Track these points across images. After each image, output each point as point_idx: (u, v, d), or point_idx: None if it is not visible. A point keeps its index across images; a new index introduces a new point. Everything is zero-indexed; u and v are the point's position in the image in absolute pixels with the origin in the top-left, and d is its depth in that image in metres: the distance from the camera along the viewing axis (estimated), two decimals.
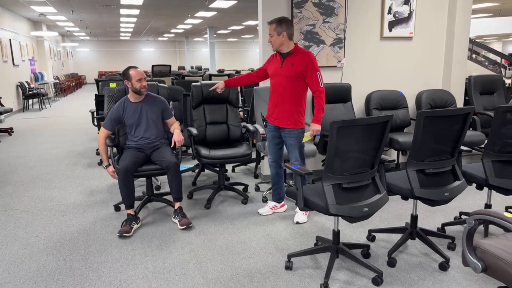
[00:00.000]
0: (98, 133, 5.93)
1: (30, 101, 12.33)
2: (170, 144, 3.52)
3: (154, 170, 3.28)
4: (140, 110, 3.39)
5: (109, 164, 3.33)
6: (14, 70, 11.16)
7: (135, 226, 3.21)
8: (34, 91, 11.61)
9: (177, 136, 3.33)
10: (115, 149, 3.56)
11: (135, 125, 3.38)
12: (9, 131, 7.54)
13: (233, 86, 3.51)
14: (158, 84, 3.82)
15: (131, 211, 3.24)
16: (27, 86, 11.58)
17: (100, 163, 5.27)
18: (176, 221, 3.29)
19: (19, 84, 11.29)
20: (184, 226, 3.20)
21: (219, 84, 3.44)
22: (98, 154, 5.83)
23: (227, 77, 8.36)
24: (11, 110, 8.17)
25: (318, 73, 3.15)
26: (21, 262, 2.72)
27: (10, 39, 10.93)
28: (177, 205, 3.34)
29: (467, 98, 5.26)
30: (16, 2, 10.22)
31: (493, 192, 4.03)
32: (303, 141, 3.29)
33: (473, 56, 14.74)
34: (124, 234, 3.06)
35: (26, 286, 2.42)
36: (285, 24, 3.12)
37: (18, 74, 11.51)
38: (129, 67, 3.33)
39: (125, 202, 3.20)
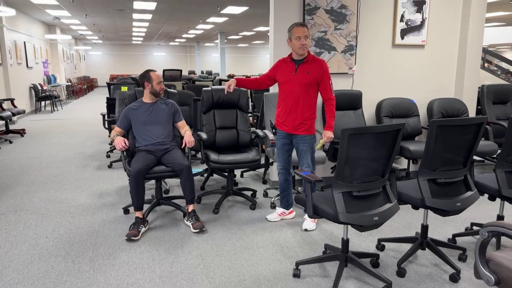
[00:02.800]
0: (109, 135, 5.97)
1: (43, 103, 12.49)
2: (180, 147, 3.56)
3: (165, 172, 3.29)
4: (152, 110, 3.49)
5: (117, 135, 3.44)
6: (28, 72, 11.33)
7: (143, 230, 3.22)
8: (47, 93, 11.76)
9: (188, 137, 3.43)
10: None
11: (146, 123, 3.44)
12: (21, 132, 7.64)
13: (242, 87, 3.48)
14: (168, 89, 3.84)
15: (139, 214, 3.25)
16: (40, 88, 11.74)
17: (111, 166, 5.30)
18: (190, 224, 3.30)
19: (32, 86, 11.45)
20: (198, 230, 3.21)
21: (231, 82, 3.30)
22: (108, 156, 5.87)
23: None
24: (23, 112, 8.28)
25: (331, 81, 3.20)
26: (30, 262, 2.73)
27: (24, 42, 11.11)
28: (190, 207, 3.35)
29: (479, 107, 5.20)
30: (31, 6, 10.40)
31: (506, 203, 3.96)
32: (316, 148, 3.31)
33: (486, 65, 14.60)
34: (132, 238, 3.07)
35: (34, 287, 2.43)
36: None
37: (32, 76, 11.68)
38: (149, 70, 3.49)
39: (135, 204, 3.22)
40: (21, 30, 10.95)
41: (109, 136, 5.97)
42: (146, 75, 3.46)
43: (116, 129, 3.49)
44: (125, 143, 3.31)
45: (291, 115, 3.24)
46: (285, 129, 3.31)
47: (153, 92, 3.47)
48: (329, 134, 3.20)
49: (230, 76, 12.83)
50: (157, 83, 3.46)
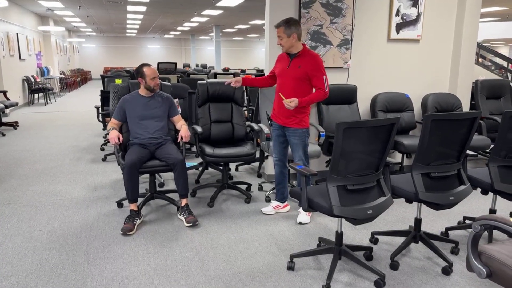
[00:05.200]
0: (103, 128, 5.94)
1: (36, 95, 12.37)
2: (175, 141, 3.55)
3: (159, 166, 3.29)
4: (148, 104, 3.45)
5: (113, 128, 3.36)
6: (21, 64, 11.21)
7: (138, 222, 3.22)
8: (40, 85, 11.66)
9: (185, 132, 3.40)
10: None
11: (141, 117, 3.41)
12: (14, 125, 7.58)
13: (248, 86, 3.51)
14: (162, 82, 3.81)
15: (134, 206, 3.25)
16: (33, 80, 11.62)
17: (105, 159, 5.28)
18: (182, 218, 3.30)
19: (25, 78, 11.33)
20: (191, 224, 3.21)
21: (239, 79, 3.35)
22: (102, 149, 5.85)
23: (232, 76, 8.37)
24: (16, 104, 8.21)
25: (325, 76, 3.16)
26: (24, 255, 2.73)
27: (17, 34, 10.97)
28: (183, 202, 3.35)
29: (473, 102, 5.23)
30: None
31: (498, 197, 4.01)
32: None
33: (480, 60, 14.68)
34: (128, 233, 3.07)
35: (28, 280, 2.43)
36: (293, 25, 3.13)
37: (24, 68, 11.55)
38: (143, 65, 3.41)
39: (129, 196, 3.22)
40: (13, 21, 10.81)
41: (103, 129, 5.94)
42: (140, 71, 3.38)
43: (113, 120, 3.45)
44: (118, 139, 3.26)
45: (283, 108, 3.25)
46: (279, 121, 3.33)
47: (147, 88, 3.42)
48: (293, 102, 3.03)
49: (226, 70, 12.78)
50: (151, 79, 3.37)
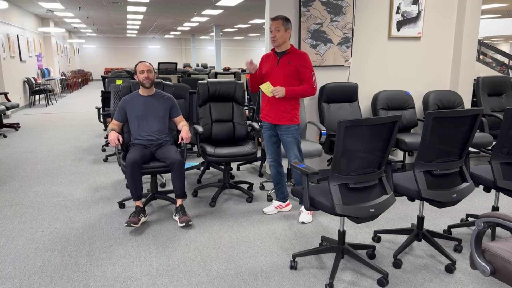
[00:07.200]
0: (104, 129, 5.94)
1: (37, 97, 12.38)
2: (176, 141, 3.54)
3: (159, 167, 3.28)
4: (148, 103, 3.44)
5: (113, 129, 3.38)
6: (21, 66, 11.22)
7: (143, 219, 3.23)
8: (41, 87, 11.66)
9: (185, 133, 3.39)
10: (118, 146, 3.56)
11: (141, 117, 3.41)
12: (15, 126, 7.58)
13: (253, 79, 3.39)
14: (164, 81, 3.81)
15: (139, 203, 3.26)
16: (33, 82, 11.63)
17: (106, 160, 5.28)
18: (177, 219, 3.29)
19: (26, 80, 11.34)
20: (184, 224, 3.19)
21: (255, 67, 3.27)
22: (103, 150, 5.85)
23: (233, 75, 8.36)
24: (18, 106, 8.21)
25: (313, 73, 3.18)
26: (26, 257, 2.73)
27: (17, 35, 10.98)
28: (178, 202, 3.34)
29: (474, 99, 5.22)
30: None
31: (501, 194, 3.99)
32: (262, 89, 3.19)
33: (481, 57, 14.64)
34: (132, 225, 3.08)
35: (31, 281, 2.43)
36: (290, 22, 3.19)
37: (25, 70, 11.56)
38: (138, 62, 3.45)
39: (133, 194, 3.22)
40: (14, 23, 10.82)
41: (104, 130, 5.94)
42: (134, 68, 3.44)
43: (113, 121, 3.45)
44: (118, 140, 3.26)
45: (274, 105, 3.26)
46: (269, 120, 3.32)
47: (140, 83, 3.42)
48: (279, 89, 3.07)
49: (226, 70, 12.78)
50: (139, 73, 3.37)
